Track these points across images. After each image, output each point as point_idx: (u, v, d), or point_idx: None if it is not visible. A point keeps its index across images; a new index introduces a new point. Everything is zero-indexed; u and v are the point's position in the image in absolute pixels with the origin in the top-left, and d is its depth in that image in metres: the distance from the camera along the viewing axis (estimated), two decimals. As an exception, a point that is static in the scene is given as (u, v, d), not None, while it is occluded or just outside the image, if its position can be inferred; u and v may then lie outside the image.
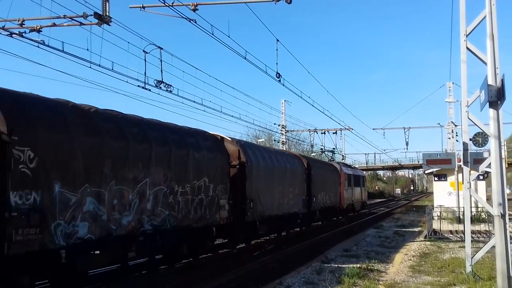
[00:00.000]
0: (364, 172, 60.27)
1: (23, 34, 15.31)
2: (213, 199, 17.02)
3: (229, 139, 20.06)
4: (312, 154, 56.46)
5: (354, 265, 14.77)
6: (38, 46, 15.03)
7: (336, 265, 15.50)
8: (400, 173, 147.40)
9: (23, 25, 15.58)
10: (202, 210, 16.27)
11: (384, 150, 79.11)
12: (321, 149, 53.75)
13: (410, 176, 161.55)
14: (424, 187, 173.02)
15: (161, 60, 18.70)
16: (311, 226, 31.24)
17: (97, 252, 12.09)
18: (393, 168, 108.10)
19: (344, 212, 40.63)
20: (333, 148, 53.49)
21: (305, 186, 28.33)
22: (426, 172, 32.64)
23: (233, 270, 15.46)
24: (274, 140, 56.52)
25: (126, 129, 12.92)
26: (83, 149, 11.06)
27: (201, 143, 16.75)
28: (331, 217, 37.20)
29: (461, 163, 14.61)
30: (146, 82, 18.10)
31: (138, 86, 18.00)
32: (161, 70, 18.84)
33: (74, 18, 15.34)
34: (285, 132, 52.81)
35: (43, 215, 9.90)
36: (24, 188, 9.52)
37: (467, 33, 12.61)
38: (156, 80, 18.63)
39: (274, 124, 50.67)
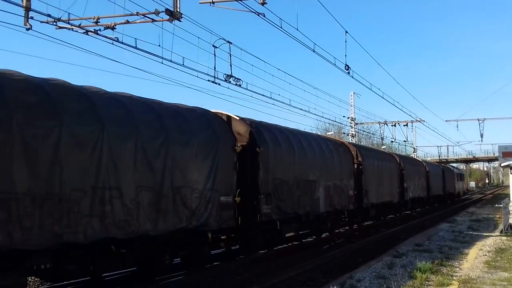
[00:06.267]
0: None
1: (98, 31, 15.69)
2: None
3: None
4: (382, 147, 55.70)
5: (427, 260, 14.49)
6: (112, 43, 15.37)
7: (408, 260, 15.27)
8: (475, 166, 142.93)
9: (98, 23, 15.97)
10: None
11: (458, 143, 76.51)
12: (392, 141, 53.09)
13: (485, 169, 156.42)
14: (500, 181, 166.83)
15: (230, 55, 18.84)
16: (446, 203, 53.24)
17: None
18: (466, 161, 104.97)
19: (455, 196, 62.45)
20: (404, 141, 52.77)
21: (442, 181, 51.61)
22: (502, 165, 31.56)
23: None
24: (344, 133, 55.99)
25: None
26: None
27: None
28: (451, 199, 59.64)
29: (540, 155, 14.09)
30: (216, 76, 18.28)
31: (208, 80, 18.18)
32: (230, 64, 18.97)
33: (147, 15, 15.64)
34: (354, 125, 52.27)
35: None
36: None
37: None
38: (225, 74, 18.79)
39: (343, 116, 50.15)
